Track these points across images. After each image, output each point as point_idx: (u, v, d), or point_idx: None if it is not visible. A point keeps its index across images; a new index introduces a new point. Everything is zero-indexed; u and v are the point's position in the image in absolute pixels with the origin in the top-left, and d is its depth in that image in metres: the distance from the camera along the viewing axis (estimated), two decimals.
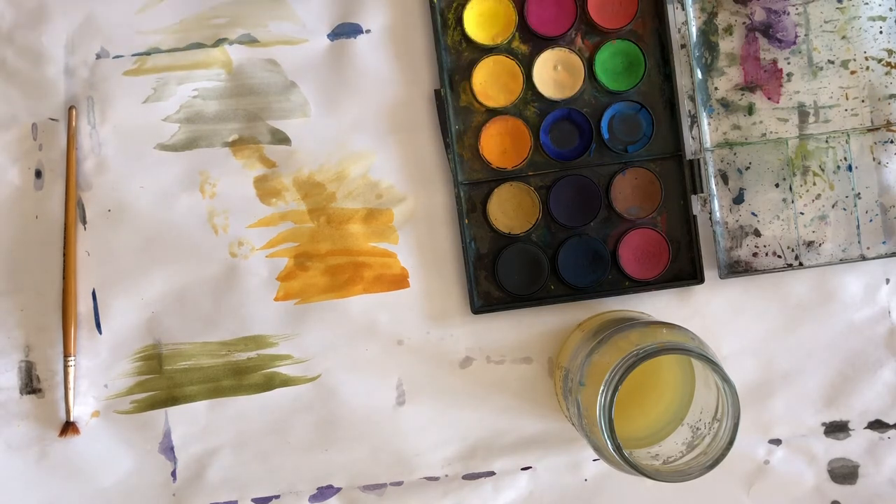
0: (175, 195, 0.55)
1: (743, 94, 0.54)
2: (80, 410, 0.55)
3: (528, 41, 0.54)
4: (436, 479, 0.55)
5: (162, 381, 0.55)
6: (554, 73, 0.54)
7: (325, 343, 0.55)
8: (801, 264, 0.54)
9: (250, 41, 0.55)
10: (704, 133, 0.54)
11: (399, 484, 0.55)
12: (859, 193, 0.54)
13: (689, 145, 0.54)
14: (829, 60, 0.54)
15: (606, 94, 0.54)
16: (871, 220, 0.54)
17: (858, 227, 0.54)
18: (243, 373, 0.55)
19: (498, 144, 0.54)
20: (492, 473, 0.55)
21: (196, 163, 0.55)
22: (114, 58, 0.55)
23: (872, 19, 0.54)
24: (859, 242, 0.54)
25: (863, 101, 0.54)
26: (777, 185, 0.54)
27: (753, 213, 0.54)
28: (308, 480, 0.55)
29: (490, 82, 0.54)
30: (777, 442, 0.55)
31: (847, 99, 0.54)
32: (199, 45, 0.55)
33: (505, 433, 0.55)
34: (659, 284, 0.54)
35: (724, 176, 0.55)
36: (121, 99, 0.55)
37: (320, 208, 0.55)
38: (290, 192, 0.55)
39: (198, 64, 0.55)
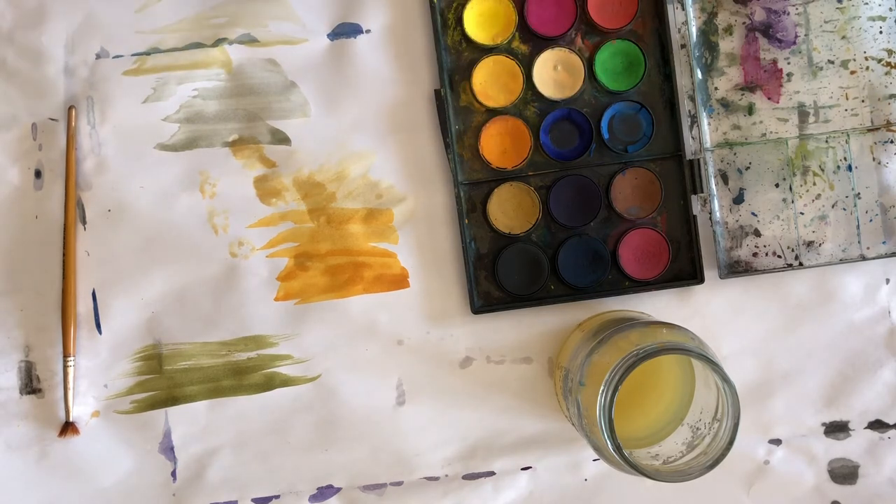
0: (175, 195, 0.55)
1: (743, 94, 0.54)
2: (80, 410, 0.55)
3: (528, 41, 0.54)
4: (436, 479, 0.55)
5: (162, 381, 0.55)
6: (554, 73, 0.54)
7: (325, 343, 0.55)
8: (801, 264, 0.54)
9: (250, 41, 0.55)
10: (704, 133, 0.54)
11: (399, 484, 0.55)
12: (859, 193, 0.54)
13: (689, 145, 0.54)
14: (829, 60, 0.54)
15: (606, 94, 0.54)
16: (871, 220, 0.54)
17: (858, 227, 0.54)
18: (243, 373, 0.55)
19: (498, 144, 0.54)
20: (492, 473, 0.55)
21: (196, 163, 0.55)
22: (113, 58, 0.55)
23: (872, 19, 0.54)
24: (859, 242, 0.54)
25: (863, 101, 0.54)
26: (777, 185, 0.54)
27: (753, 213, 0.54)
28: (308, 480, 0.55)
29: (490, 82, 0.54)
30: (777, 442, 0.55)
31: (847, 99, 0.54)
32: (199, 45, 0.55)
33: (505, 433, 0.55)
34: (659, 284, 0.54)
35: (724, 176, 0.55)
36: (121, 99, 0.55)
37: (320, 208, 0.55)
38: (290, 192, 0.55)
39: (197, 64, 0.55)
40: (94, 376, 0.55)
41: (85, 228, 0.55)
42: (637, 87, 0.54)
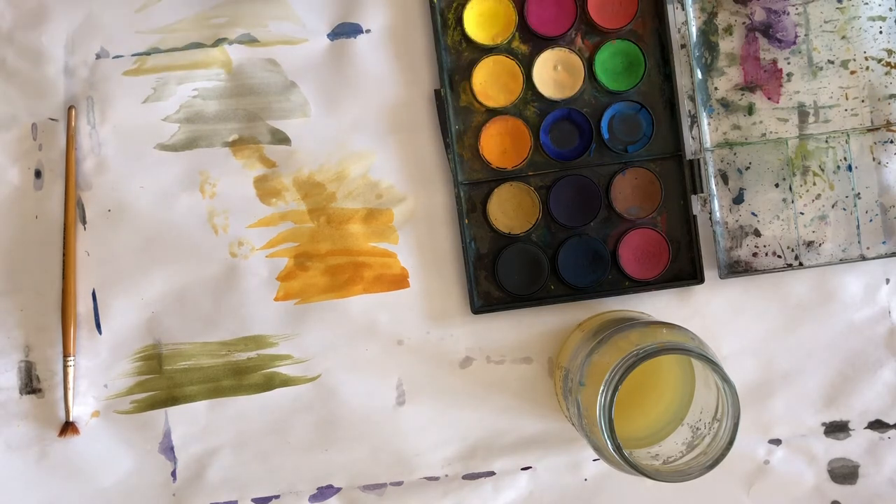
0: (175, 195, 0.55)
1: (743, 94, 0.54)
2: (80, 410, 0.55)
3: (528, 41, 0.54)
4: (436, 479, 0.55)
5: (162, 381, 0.55)
6: (554, 73, 0.54)
7: (325, 343, 0.55)
8: (801, 264, 0.54)
9: (250, 41, 0.55)
10: (704, 133, 0.54)
11: (399, 484, 0.55)
12: (859, 193, 0.54)
13: (689, 145, 0.54)
14: (829, 60, 0.54)
15: (606, 94, 0.54)
16: (871, 220, 0.54)
17: (858, 227, 0.54)
18: (243, 373, 0.55)
19: (498, 144, 0.54)
20: (492, 473, 0.55)
21: (196, 163, 0.55)
22: (113, 58, 0.55)
23: (872, 19, 0.54)
24: (859, 242, 0.54)
25: (863, 101, 0.54)
26: (777, 185, 0.54)
27: (753, 213, 0.54)
28: (308, 480, 0.55)
29: (490, 82, 0.54)
30: (777, 442, 0.55)
31: (847, 99, 0.54)
32: (199, 45, 0.55)
33: (505, 433, 0.55)
34: (659, 284, 0.54)
35: (724, 176, 0.55)
36: (121, 99, 0.55)
37: (320, 208, 0.55)
38: (290, 192, 0.55)
39: (197, 64, 0.55)
40: (94, 376, 0.55)
41: (85, 228, 0.55)
42: (637, 87, 0.54)
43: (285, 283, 0.55)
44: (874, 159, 0.54)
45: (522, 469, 0.55)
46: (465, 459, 0.55)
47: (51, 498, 0.55)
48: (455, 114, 0.54)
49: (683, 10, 0.54)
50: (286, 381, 0.55)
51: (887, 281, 0.55)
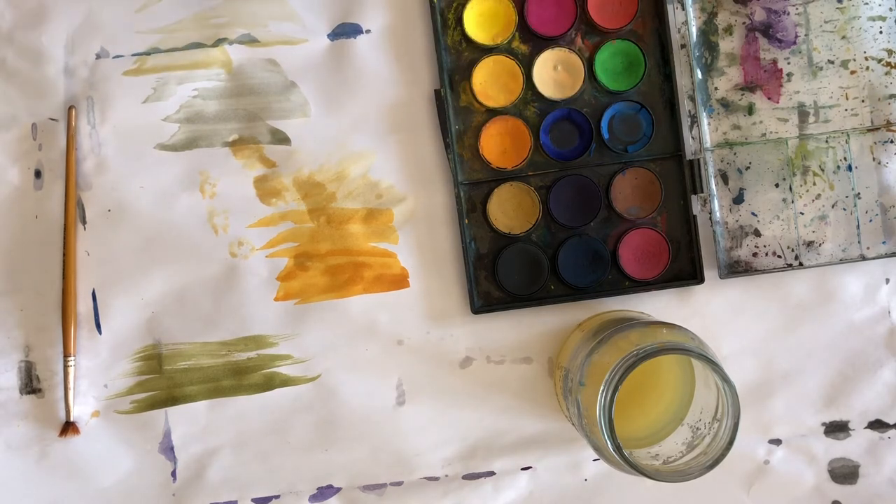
0: (175, 195, 0.55)
1: (743, 94, 0.54)
2: (80, 410, 0.55)
3: (528, 41, 0.54)
4: (436, 479, 0.55)
5: (162, 381, 0.55)
6: (554, 73, 0.54)
7: (325, 343, 0.55)
8: (801, 264, 0.54)
9: (250, 41, 0.55)
10: (704, 133, 0.54)
11: (399, 484, 0.55)
12: (859, 193, 0.54)
13: (689, 145, 0.54)
14: (829, 60, 0.54)
15: (606, 94, 0.54)
16: (871, 220, 0.54)
17: (858, 227, 0.54)
18: (243, 373, 0.55)
19: (498, 144, 0.54)
20: (492, 473, 0.55)
21: (196, 163, 0.55)
22: (114, 58, 0.55)
23: (872, 19, 0.54)
24: (859, 242, 0.54)
25: (863, 101, 0.54)
26: (777, 185, 0.54)
27: (753, 213, 0.54)
28: (308, 480, 0.55)
29: (490, 82, 0.54)
30: (777, 442, 0.55)
31: (847, 99, 0.54)
32: (199, 45, 0.55)
33: (505, 433, 0.55)
34: (659, 284, 0.54)
35: (724, 176, 0.55)
36: (121, 99, 0.55)
37: (320, 208, 0.55)
38: (290, 192, 0.55)
39: (198, 64, 0.55)
40: (94, 376, 0.55)
41: (85, 228, 0.55)
42: (637, 87, 0.54)
43: (285, 283, 0.55)
44: (874, 159, 0.54)
45: (522, 469, 0.55)
46: (465, 459, 0.55)
47: (51, 498, 0.55)
48: (455, 114, 0.54)
49: (683, 10, 0.54)
50: (286, 381, 0.55)
51: (887, 281, 0.55)
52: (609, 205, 0.54)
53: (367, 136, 0.55)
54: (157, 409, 0.55)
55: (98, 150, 0.55)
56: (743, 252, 0.55)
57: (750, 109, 0.54)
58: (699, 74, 0.54)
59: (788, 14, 0.54)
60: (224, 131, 0.55)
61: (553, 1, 0.54)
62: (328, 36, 0.55)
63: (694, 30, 0.54)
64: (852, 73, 0.54)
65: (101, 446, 0.55)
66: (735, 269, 0.54)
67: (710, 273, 0.54)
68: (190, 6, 0.55)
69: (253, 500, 0.55)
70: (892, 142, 0.54)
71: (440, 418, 0.55)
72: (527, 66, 0.54)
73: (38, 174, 0.55)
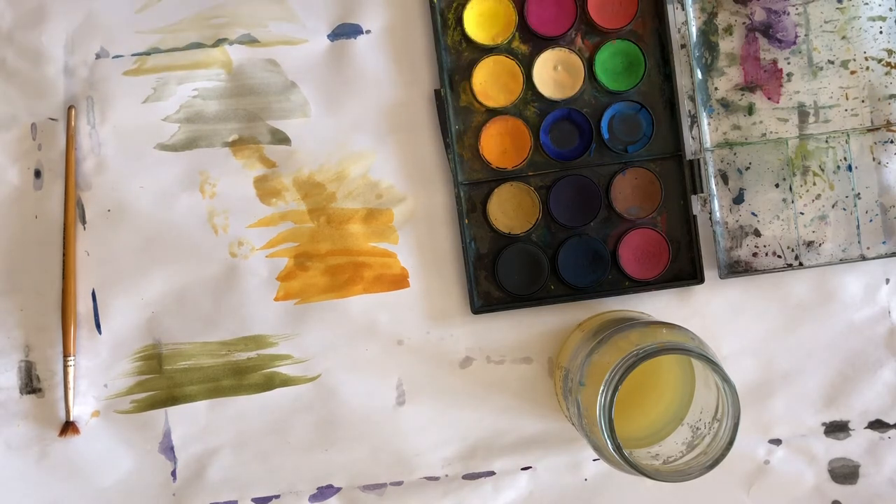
0: (175, 195, 0.55)
1: (743, 94, 0.54)
2: (80, 410, 0.55)
3: (528, 41, 0.54)
4: (436, 479, 0.55)
5: (162, 381, 0.55)
6: (554, 73, 0.54)
7: (325, 343, 0.55)
8: (801, 264, 0.54)
9: (250, 41, 0.55)
10: (704, 133, 0.54)
11: (399, 484, 0.55)
12: (859, 193, 0.54)
13: (689, 145, 0.54)
14: (829, 60, 0.54)
15: (606, 94, 0.54)
16: (871, 220, 0.54)
17: (858, 227, 0.54)
18: (243, 373, 0.55)
19: (498, 144, 0.54)
20: (492, 473, 0.55)
21: (196, 163, 0.55)
22: (113, 58, 0.55)
23: (872, 19, 0.54)
24: (859, 242, 0.54)
25: (863, 101, 0.54)
26: (777, 185, 0.54)
27: (753, 213, 0.54)
28: (308, 480, 0.55)
29: (490, 82, 0.54)
30: (777, 442, 0.55)
31: (847, 99, 0.54)
32: (199, 45, 0.55)
33: (505, 433, 0.55)
34: (659, 284, 0.54)
35: (724, 176, 0.55)
36: (121, 99, 0.55)
37: (320, 208, 0.55)
38: (290, 192, 0.55)
39: (198, 64, 0.55)
40: (94, 376, 0.55)
41: (85, 228, 0.55)
42: (637, 87, 0.54)
43: (285, 283, 0.55)
44: (874, 159, 0.54)
45: (522, 469, 0.55)
46: (465, 459, 0.55)
47: (51, 498, 0.55)
48: (455, 114, 0.54)
49: (683, 10, 0.54)
50: (286, 381, 0.55)
51: (887, 281, 0.55)
52: (609, 205, 0.54)
53: (367, 136, 0.55)
54: (157, 408, 0.55)
55: (98, 149, 0.55)
56: (743, 252, 0.55)
57: (750, 109, 0.54)
58: (699, 74, 0.54)
59: (788, 14, 0.54)
60: (224, 131, 0.55)
61: (553, 1, 0.54)
62: (328, 36, 0.55)
63: (694, 30, 0.54)
64: (852, 73, 0.54)
65: (101, 446, 0.55)
66: (735, 269, 0.54)
67: (710, 273, 0.54)
68: (190, 6, 0.55)
69: (253, 500, 0.55)
70: (892, 142, 0.54)
71: (440, 418, 0.55)
72: (527, 66, 0.54)
73: (37, 174, 0.55)
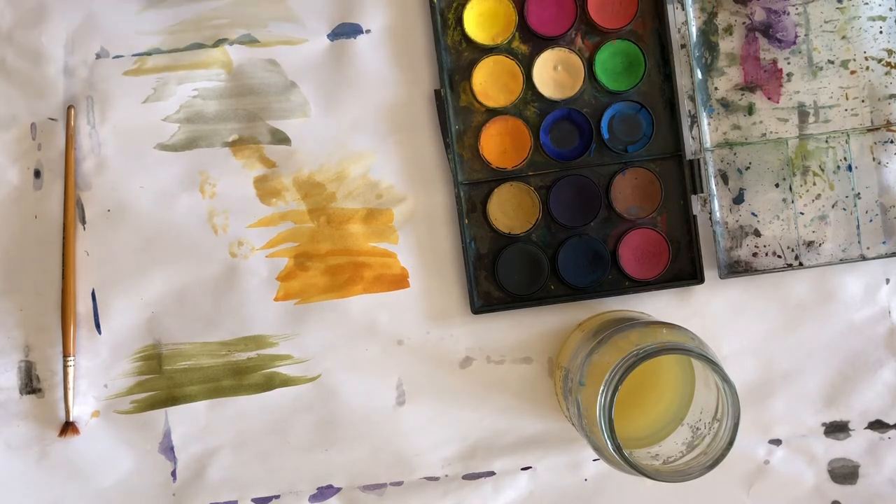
0: (175, 195, 0.55)
1: (743, 94, 0.54)
2: (80, 410, 0.55)
3: (528, 41, 0.54)
4: (436, 479, 0.55)
5: (162, 381, 0.55)
6: (554, 73, 0.54)
7: (325, 343, 0.55)
8: (801, 264, 0.54)
9: (250, 41, 0.55)
10: (704, 133, 0.54)
11: (399, 484, 0.55)
12: (859, 193, 0.54)
13: (689, 145, 0.54)
14: (829, 60, 0.54)
15: (606, 94, 0.54)
16: (871, 220, 0.54)
17: (858, 227, 0.54)
18: (243, 373, 0.55)
19: (498, 144, 0.54)
20: (492, 473, 0.55)
21: (196, 163, 0.55)
22: (114, 58, 0.55)
23: (872, 19, 0.54)
24: (859, 242, 0.54)
25: (863, 101, 0.54)
26: (777, 185, 0.54)
27: (753, 213, 0.54)
28: (308, 480, 0.55)
29: (490, 82, 0.54)
30: (777, 442, 0.55)
31: (847, 99, 0.54)
32: (199, 46, 0.55)
33: (505, 433, 0.55)
34: (659, 284, 0.54)
35: (724, 176, 0.55)
36: (121, 99, 0.55)
37: (320, 208, 0.55)
38: (290, 192, 0.55)
39: (198, 64, 0.55)
40: (94, 376, 0.55)
41: (84, 228, 0.55)
42: (637, 87, 0.54)
43: (285, 283, 0.55)
44: (874, 159, 0.54)
45: (522, 469, 0.55)
46: (465, 459, 0.55)
47: (51, 498, 0.55)
48: (455, 114, 0.54)
49: (683, 10, 0.54)
50: (286, 381, 0.55)
51: (887, 281, 0.55)
52: (609, 205, 0.54)
53: (367, 136, 0.55)
54: (157, 409, 0.55)
55: (98, 149, 0.55)
56: (743, 252, 0.55)
57: (750, 109, 0.54)
58: (699, 74, 0.54)
59: (788, 14, 0.54)
60: (224, 131, 0.55)
61: (553, 1, 0.54)
62: (328, 36, 0.55)
63: (694, 30, 0.54)
64: (852, 73, 0.54)
65: (101, 446, 0.55)
66: (735, 269, 0.54)
67: (710, 273, 0.54)
68: (190, 7, 0.55)
69: (253, 500, 0.55)
70: (892, 142, 0.54)
71: (440, 418, 0.55)
72: (527, 66, 0.54)
73: (37, 174, 0.55)
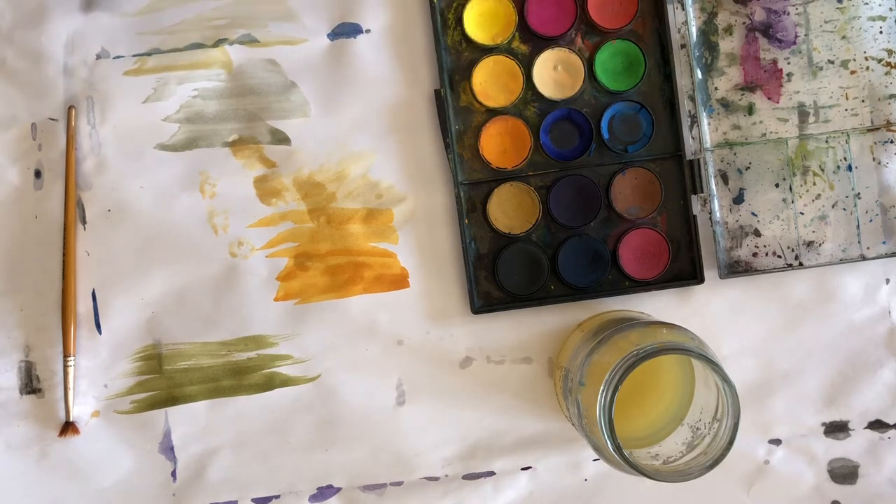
0: (175, 195, 0.55)
1: (743, 94, 0.54)
2: (80, 410, 0.55)
3: (528, 41, 0.54)
4: (436, 479, 0.55)
5: (162, 381, 0.55)
6: (554, 73, 0.54)
7: (325, 343, 0.55)
8: (801, 264, 0.54)
9: (250, 41, 0.55)
10: (704, 133, 0.54)
11: (399, 484, 0.55)
12: (859, 193, 0.54)
13: (689, 145, 0.54)
14: (829, 60, 0.54)
15: (606, 94, 0.54)
16: (871, 220, 0.54)
17: (858, 227, 0.54)
18: (243, 373, 0.55)
19: (498, 144, 0.54)
20: (492, 473, 0.55)
21: (196, 163, 0.55)
22: (114, 58, 0.55)
23: (872, 19, 0.54)
24: (859, 242, 0.54)
25: (863, 101, 0.54)
26: (777, 185, 0.54)
27: (753, 213, 0.54)
28: (308, 480, 0.55)
29: (490, 82, 0.54)
30: (777, 442, 0.55)
31: (847, 99, 0.54)
32: (199, 46, 0.55)
33: (505, 433, 0.55)
34: (659, 284, 0.54)
35: (724, 176, 0.55)
36: (121, 99, 0.55)
37: (320, 208, 0.55)
38: (290, 192, 0.55)
39: (198, 64, 0.55)
40: (94, 376, 0.55)
41: (85, 228, 0.55)
42: (637, 87, 0.54)
43: (285, 283, 0.55)
44: (874, 159, 0.54)
45: (522, 469, 0.55)
46: (465, 459, 0.55)
47: (51, 498, 0.55)
48: (455, 114, 0.54)
49: (683, 10, 0.54)
50: (286, 381, 0.55)
51: (887, 281, 0.55)
52: (609, 205, 0.54)
53: (367, 136, 0.55)
54: (157, 409, 0.55)
55: (98, 150, 0.55)
56: (743, 252, 0.55)
57: (750, 109, 0.54)
58: (699, 74, 0.54)
59: (788, 14, 0.54)
60: (224, 131, 0.55)
61: (553, 1, 0.54)
62: (328, 36, 0.55)
63: (694, 30, 0.54)
64: (852, 73, 0.54)
65: (101, 446, 0.55)
66: (735, 269, 0.54)
67: (710, 273, 0.54)
68: (190, 7, 0.55)
69: (253, 500, 0.55)
70: (892, 142, 0.54)
71: (440, 418, 0.55)
72: (527, 66, 0.54)
73: (37, 174, 0.55)
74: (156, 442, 0.55)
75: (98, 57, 0.55)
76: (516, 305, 0.54)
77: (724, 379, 0.44)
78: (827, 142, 0.54)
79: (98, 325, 0.55)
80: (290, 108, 0.55)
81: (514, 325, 0.55)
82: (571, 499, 0.55)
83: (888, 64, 0.54)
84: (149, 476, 0.55)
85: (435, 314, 0.55)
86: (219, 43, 0.55)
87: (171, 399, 0.55)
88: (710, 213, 0.54)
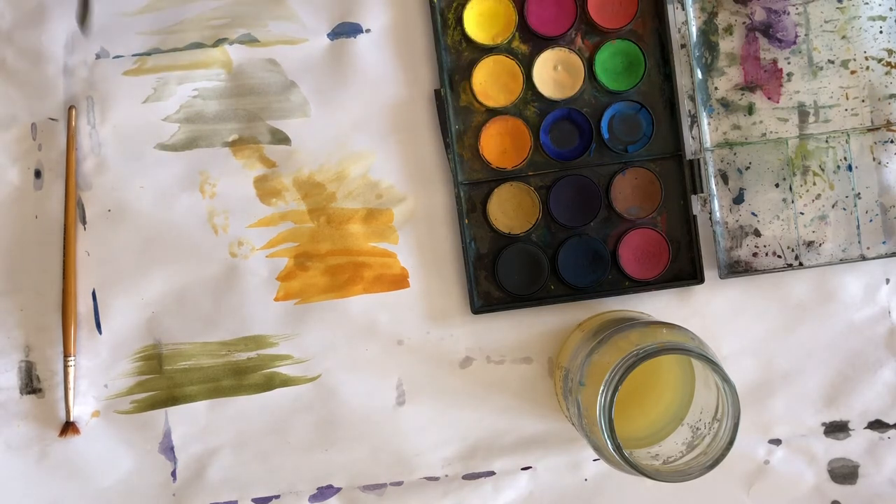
0: (175, 195, 0.55)
1: (743, 94, 0.54)
2: (80, 410, 0.55)
3: (528, 41, 0.54)
4: (436, 479, 0.55)
5: (162, 381, 0.55)
6: (554, 73, 0.54)
7: (325, 343, 0.55)
8: (801, 264, 0.54)
9: (250, 41, 0.55)
10: (704, 133, 0.54)
11: (399, 484, 0.55)
12: (859, 193, 0.54)
13: (689, 145, 0.54)
14: (829, 60, 0.54)
15: (606, 94, 0.54)
16: (871, 220, 0.54)
17: (858, 227, 0.54)
18: (243, 373, 0.55)
19: (498, 144, 0.54)
20: (492, 473, 0.55)
21: (196, 163, 0.55)
22: (114, 58, 0.55)
23: (872, 19, 0.54)
24: (859, 242, 0.54)
25: (863, 101, 0.54)
26: (777, 185, 0.54)
27: (753, 213, 0.54)
28: (308, 480, 0.55)
29: (490, 82, 0.54)
30: (777, 442, 0.55)
31: (847, 99, 0.54)
32: (199, 45, 0.55)
33: (505, 433, 0.55)
34: (659, 284, 0.54)
35: (724, 176, 0.55)
36: (121, 99, 0.55)
37: (320, 208, 0.55)
38: (290, 192, 0.55)
39: (198, 64, 0.55)
40: (94, 376, 0.55)
41: (85, 228, 0.55)
42: (637, 87, 0.54)
43: (285, 283, 0.55)
44: (874, 159, 0.54)
45: (522, 469, 0.55)
46: (465, 459, 0.55)
47: (51, 498, 0.55)
48: (455, 114, 0.54)
49: (683, 10, 0.54)
50: (286, 381, 0.55)
51: (887, 281, 0.55)
52: (609, 205, 0.54)
53: (367, 136, 0.55)
54: (157, 409, 0.55)
55: (98, 149, 0.55)
56: (743, 252, 0.55)
57: (750, 109, 0.54)
58: (699, 74, 0.54)
59: (788, 14, 0.54)
60: (224, 131, 0.55)
61: (553, 1, 0.54)
62: (328, 35, 0.55)
63: (694, 30, 0.54)
64: (852, 73, 0.54)
65: (101, 446, 0.55)
66: (735, 269, 0.54)
67: (710, 273, 0.54)
68: (190, 6, 0.55)
69: (253, 500, 0.55)
70: (892, 142, 0.54)
71: (440, 418, 0.55)
72: (527, 66, 0.54)
73: (37, 174, 0.55)
74: (156, 442, 0.55)
75: (98, 57, 0.55)
76: (516, 305, 0.54)
77: (724, 379, 0.44)
78: (827, 142, 0.54)
79: (98, 325, 0.55)
80: (290, 107, 0.55)
81: (514, 325, 0.55)
82: (571, 499, 0.55)
83: (888, 64, 0.54)
84: (149, 476, 0.55)
85: (435, 314, 0.55)
86: (219, 43, 0.55)
87: (171, 399, 0.55)
88: (710, 213, 0.54)
